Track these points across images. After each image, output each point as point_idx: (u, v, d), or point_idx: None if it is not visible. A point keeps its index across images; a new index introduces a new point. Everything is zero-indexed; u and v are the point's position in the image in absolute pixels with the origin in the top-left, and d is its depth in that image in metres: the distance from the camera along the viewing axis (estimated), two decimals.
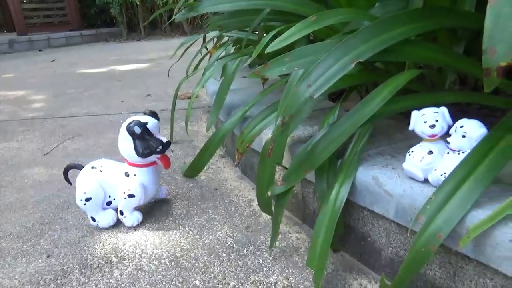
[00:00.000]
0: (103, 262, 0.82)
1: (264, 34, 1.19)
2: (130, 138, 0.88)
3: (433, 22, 0.69)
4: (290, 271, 0.76)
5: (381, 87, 0.68)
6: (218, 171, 1.25)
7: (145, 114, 0.93)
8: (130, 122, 0.88)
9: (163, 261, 0.81)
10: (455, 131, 0.62)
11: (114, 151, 1.48)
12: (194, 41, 1.74)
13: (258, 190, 0.83)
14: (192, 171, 1.19)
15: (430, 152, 0.63)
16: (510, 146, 0.56)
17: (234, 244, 0.85)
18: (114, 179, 0.92)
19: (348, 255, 0.80)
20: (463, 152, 0.60)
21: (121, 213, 0.93)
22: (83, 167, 0.95)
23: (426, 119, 0.65)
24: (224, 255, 0.82)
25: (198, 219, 0.97)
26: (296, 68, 0.65)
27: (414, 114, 0.67)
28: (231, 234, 0.89)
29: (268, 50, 0.68)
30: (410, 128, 0.68)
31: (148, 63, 3.78)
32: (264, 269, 0.77)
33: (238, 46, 1.71)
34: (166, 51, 4.43)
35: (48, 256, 0.85)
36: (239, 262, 0.79)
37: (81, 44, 6.21)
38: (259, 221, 0.94)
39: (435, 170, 0.62)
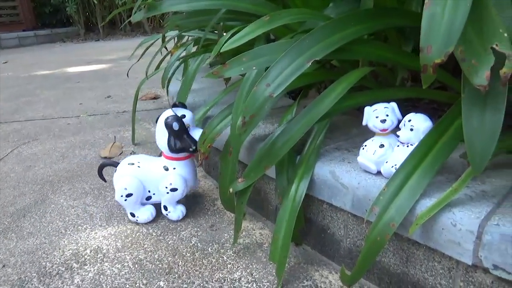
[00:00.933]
0: (63, 269, 0.80)
1: (224, 34, 1.20)
2: (167, 132, 0.88)
3: (382, 22, 0.72)
4: (254, 266, 0.77)
5: (335, 85, 0.70)
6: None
7: (175, 106, 0.92)
8: (169, 117, 0.87)
9: (126, 264, 0.80)
10: (404, 125, 0.66)
11: (73, 154, 1.43)
12: (154, 41, 1.71)
13: (220, 188, 0.84)
14: None
15: (382, 146, 0.66)
16: (453, 138, 0.60)
17: (199, 243, 0.86)
18: (153, 174, 0.91)
19: (310, 248, 0.82)
20: (412, 145, 0.64)
21: (165, 208, 0.94)
22: (118, 164, 0.94)
23: (377, 114, 0.68)
24: (189, 254, 0.82)
25: (161, 220, 0.96)
26: (254, 68, 0.67)
27: (367, 109, 0.70)
28: (195, 234, 0.90)
29: (223, 49, 0.69)
30: (364, 123, 0.71)
31: (108, 63, 3.68)
32: (229, 266, 0.78)
33: (198, 45, 1.71)
34: (127, 51, 4.33)
35: (3, 266, 0.82)
36: (203, 260, 0.80)
37: (35, 44, 5.95)
38: (223, 219, 0.95)
39: (387, 162, 0.65)
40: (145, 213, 0.94)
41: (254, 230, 0.90)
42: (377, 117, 0.68)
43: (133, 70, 2.06)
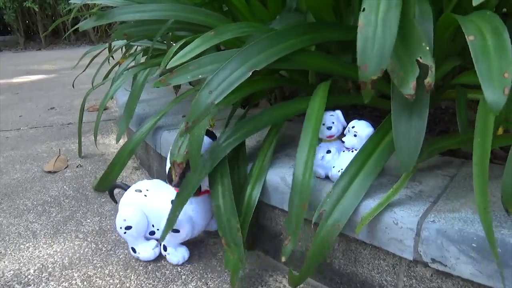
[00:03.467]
0: None
1: (173, 43, 1.20)
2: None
3: (322, 35, 0.76)
4: (209, 275, 0.77)
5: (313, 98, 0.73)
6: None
7: None
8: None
9: (74, 281, 0.77)
10: (348, 131, 0.69)
11: (13, 169, 1.35)
12: (101, 51, 1.67)
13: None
14: (103, 184, 1.14)
15: (329, 151, 0.70)
16: (392, 143, 0.64)
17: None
18: (159, 207, 0.78)
19: (264, 254, 0.83)
20: (356, 150, 0.68)
21: (164, 248, 0.81)
22: (129, 187, 0.85)
23: (324, 121, 0.72)
24: (141, 268, 0.80)
25: (112, 234, 0.93)
26: (200, 76, 0.68)
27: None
28: None
29: (171, 64, 0.70)
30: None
31: (51, 73, 3.51)
32: (183, 277, 0.77)
33: (147, 55, 1.68)
34: (71, 61, 4.15)
35: None
36: (156, 273, 0.78)
37: None
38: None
39: (334, 167, 0.68)
40: (147, 250, 0.81)
41: (209, 239, 0.89)
42: (323, 124, 0.71)
43: (78, 80, 1.98)
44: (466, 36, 0.52)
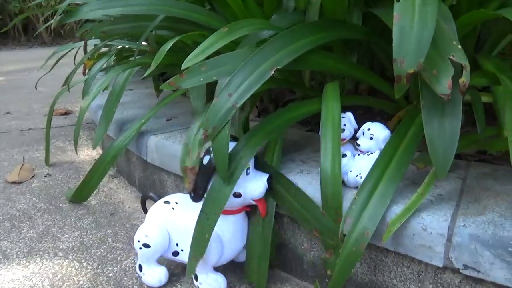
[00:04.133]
0: None
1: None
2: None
3: (332, 33, 0.74)
4: None
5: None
6: (111, 194, 1.12)
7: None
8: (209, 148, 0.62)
9: None
10: (363, 134, 0.67)
11: None
12: (69, 51, 1.55)
13: None
14: (80, 195, 1.04)
15: (344, 155, 0.66)
16: (410, 146, 0.62)
17: None
18: (187, 224, 0.66)
19: (271, 267, 0.78)
20: (372, 153, 0.65)
21: (196, 277, 0.68)
22: (160, 199, 0.75)
23: None
24: (136, 287, 0.73)
25: (97, 250, 0.84)
26: (214, 78, 0.62)
27: None
28: None
29: (186, 64, 0.63)
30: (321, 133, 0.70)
31: (3, 76, 3.25)
32: None
33: (123, 56, 1.59)
34: (24, 63, 3.89)
35: None
36: None
37: None
38: None
39: (351, 171, 0.65)
40: (154, 276, 0.71)
41: None
42: None
43: (33, 83, 1.82)
44: None
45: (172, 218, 0.69)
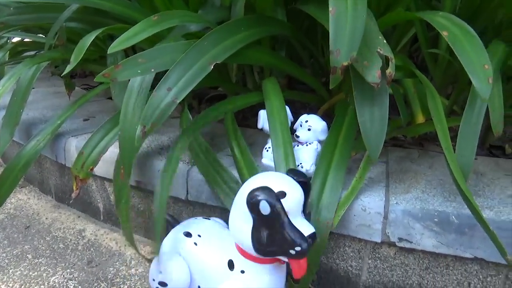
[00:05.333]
0: None
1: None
2: (249, 216, 0.49)
3: (266, 28, 0.75)
4: None
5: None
6: (22, 205, 0.99)
7: (291, 172, 0.53)
8: (254, 190, 0.48)
9: None
10: (301, 126, 0.70)
11: None
12: None
13: (122, 220, 0.70)
14: None
15: None
16: (349, 134, 0.67)
17: (80, 287, 0.70)
18: (211, 264, 0.55)
19: None
20: (310, 143, 0.69)
21: None
22: (177, 224, 0.63)
23: None
24: None
25: (16, 269, 0.74)
26: (152, 70, 0.59)
27: (263, 113, 0.72)
28: (71, 276, 0.73)
29: (111, 50, 0.59)
30: (259, 126, 0.72)
31: None
32: None
33: (18, 50, 1.41)
34: None
35: None
36: None
37: None
38: (102, 251, 0.80)
39: None
40: None
41: (145, 256, 0.79)
42: None
43: None
44: (440, 32, 0.58)
45: (195, 256, 0.57)
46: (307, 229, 0.48)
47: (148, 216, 0.84)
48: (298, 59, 1.04)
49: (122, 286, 0.70)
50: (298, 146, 0.70)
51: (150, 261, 0.77)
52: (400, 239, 0.60)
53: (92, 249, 0.81)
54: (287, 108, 0.74)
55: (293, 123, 0.74)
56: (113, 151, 0.74)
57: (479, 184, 0.67)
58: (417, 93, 0.82)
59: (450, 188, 0.65)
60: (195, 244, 0.57)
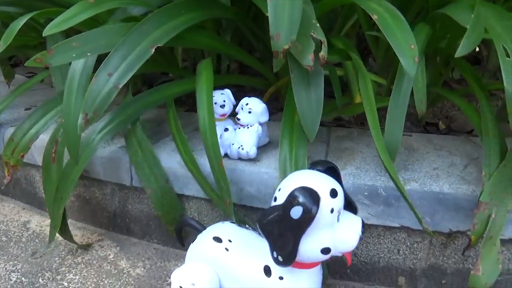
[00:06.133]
0: None
1: None
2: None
3: (207, 12, 0.75)
4: (106, 281, 0.69)
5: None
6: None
7: (316, 165, 0.49)
8: (299, 191, 0.44)
9: None
10: (242, 109, 0.71)
11: None
12: None
13: (50, 207, 0.70)
14: None
15: (226, 129, 0.70)
16: None
17: (23, 278, 0.69)
18: (245, 273, 0.51)
19: (161, 245, 0.79)
20: (251, 126, 0.70)
21: None
22: (203, 229, 0.58)
23: (215, 100, 0.72)
24: None
25: None
26: (89, 54, 0.58)
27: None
28: (14, 268, 0.72)
29: (46, 32, 0.57)
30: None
31: None
32: None
33: None
34: None
35: None
36: None
37: None
38: (47, 242, 0.79)
39: (233, 144, 0.69)
40: None
41: (93, 244, 0.79)
42: (216, 103, 0.71)
43: None
44: (371, 15, 0.60)
45: (226, 263, 0.52)
46: (356, 222, 0.47)
47: (94, 204, 0.83)
48: (248, 44, 1.05)
49: (67, 275, 0.70)
50: (239, 128, 0.71)
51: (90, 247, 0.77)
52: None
53: (37, 240, 0.80)
54: (229, 91, 0.75)
55: (235, 106, 0.75)
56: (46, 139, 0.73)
57: (410, 159, 0.71)
58: (356, 75, 0.85)
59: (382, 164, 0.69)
60: (226, 249, 0.53)
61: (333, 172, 0.49)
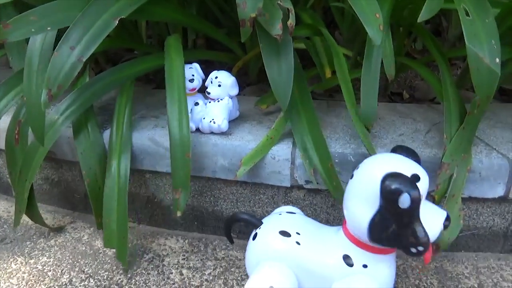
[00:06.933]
0: None
1: None
2: (374, 201, 0.43)
3: None
4: (82, 262, 0.68)
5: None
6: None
7: (395, 151, 0.49)
8: (390, 177, 0.42)
9: None
10: (211, 83, 0.71)
11: None
12: None
13: (17, 191, 0.67)
14: None
15: (197, 104, 0.70)
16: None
17: None
18: (325, 263, 0.48)
19: (137, 224, 0.79)
20: (222, 99, 0.70)
21: None
22: (260, 223, 0.53)
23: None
24: None
25: None
26: (49, 28, 0.55)
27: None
28: None
29: None
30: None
31: None
32: (49, 273, 0.66)
33: None
34: None
35: None
36: (12, 280, 0.64)
37: None
38: (17, 227, 0.77)
39: (204, 118, 0.69)
40: None
41: (65, 226, 0.78)
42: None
43: None
44: None
45: (300, 258, 0.49)
46: (439, 214, 0.44)
47: (64, 186, 0.81)
48: (214, 18, 1.03)
49: (41, 258, 0.69)
50: (210, 102, 0.71)
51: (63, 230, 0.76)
52: (307, 182, 0.65)
53: (5, 226, 0.78)
54: (197, 65, 0.74)
55: (204, 80, 0.74)
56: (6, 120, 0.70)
57: (376, 127, 0.74)
58: (325, 49, 0.86)
59: (352, 132, 0.71)
60: (298, 243, 0.49)
61: (415, 156, 0.48)
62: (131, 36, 1.00)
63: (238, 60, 0.92)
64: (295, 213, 0.56)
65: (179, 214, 0.60)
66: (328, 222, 0.70)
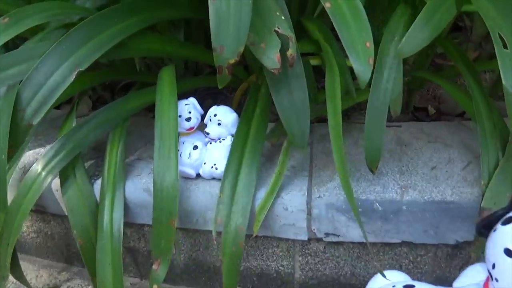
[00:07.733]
0: None
1: None
2: None
3: (157, 14, 0.65)
4: None
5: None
6: None
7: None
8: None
9: None
10: (210, 121, 0.62)
11: None
12: None
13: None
14: None
15: (195, 147, 0.61)
16: (261, 123, 0.60)
17: None
18: None
19: (139, 279, 0.71)
20: (224, 139, 0.61)
21: None
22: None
23: (180, 113, 0.62)
24: None
25: None
26: (10, 83, 0.48)
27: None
28: None
29: None
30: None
31: None
32: None
33: None
34: None
35: None
36: None
37: None
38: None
39: (205, 163, 0.60)
40: None
41: (61, 286, 0.71)
42: (180, 116, 0.62)
43: None
44: (323, 4, 0.50)
45: None
46: None
47: (57, 239, 0.74)
48: (207, 40, 0.94)
49: None
50: (210, 143, 0.62)
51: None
52: (327, 234, 0.56)
53: None
54: (194, 100, 0.66)
55: (203, 116, 0.66)
56: None
57: (403, 158, 0.64)
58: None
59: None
60: None
61: None
62: (125, 62, 0.92)
63: (241, 82, 0.83)
64: (414, 286, 0.47)
65: (155, 287, 0.52)
66: (353, 275, 0.60)
